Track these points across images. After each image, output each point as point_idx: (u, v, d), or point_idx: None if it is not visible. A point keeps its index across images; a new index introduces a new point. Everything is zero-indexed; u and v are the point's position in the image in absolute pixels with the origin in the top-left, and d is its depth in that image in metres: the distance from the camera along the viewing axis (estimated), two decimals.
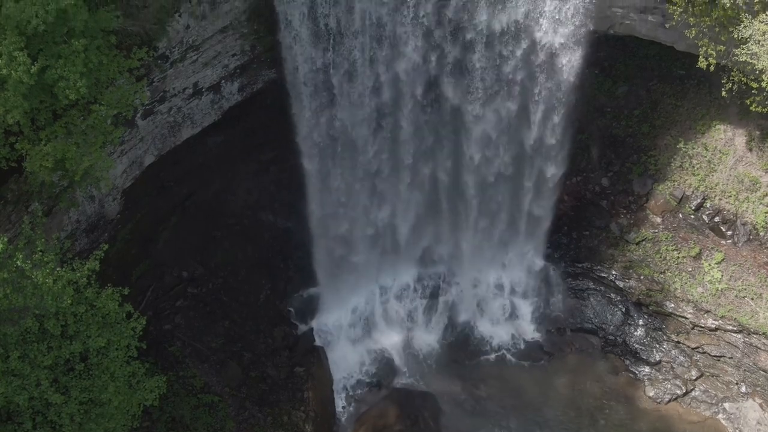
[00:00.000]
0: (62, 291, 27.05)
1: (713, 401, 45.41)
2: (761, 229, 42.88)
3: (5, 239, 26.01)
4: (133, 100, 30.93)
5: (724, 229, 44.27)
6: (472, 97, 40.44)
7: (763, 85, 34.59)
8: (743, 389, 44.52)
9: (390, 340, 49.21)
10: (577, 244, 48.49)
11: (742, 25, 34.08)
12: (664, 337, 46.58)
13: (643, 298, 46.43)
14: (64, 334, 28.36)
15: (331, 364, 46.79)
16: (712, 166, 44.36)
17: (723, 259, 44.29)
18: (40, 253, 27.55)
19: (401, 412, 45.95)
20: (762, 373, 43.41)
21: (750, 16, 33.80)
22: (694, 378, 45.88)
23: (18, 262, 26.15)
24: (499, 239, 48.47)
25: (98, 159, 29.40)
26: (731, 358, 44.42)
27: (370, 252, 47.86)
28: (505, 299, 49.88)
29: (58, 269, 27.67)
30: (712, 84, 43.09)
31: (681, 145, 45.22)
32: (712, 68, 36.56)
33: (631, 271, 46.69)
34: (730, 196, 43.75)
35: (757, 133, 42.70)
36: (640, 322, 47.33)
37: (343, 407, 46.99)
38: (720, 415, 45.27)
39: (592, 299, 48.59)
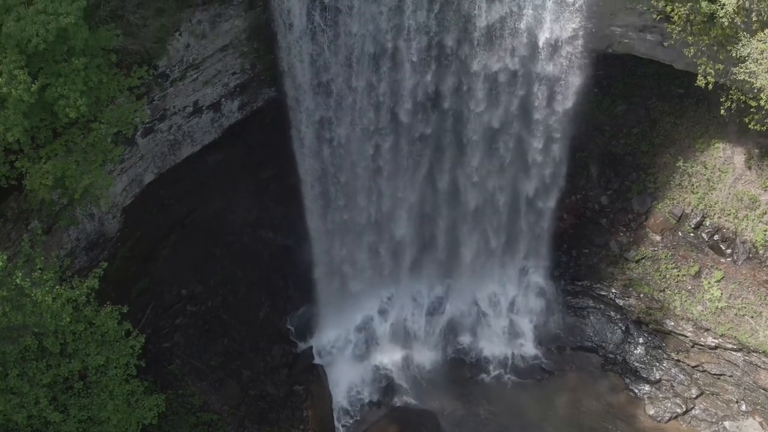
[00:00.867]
0: (61, 309, 27.08)
1: (713, 420, 45.26)
2: (761, 247, 42.87)
3: (5, 257, 26.05)
4: (133, 119, 31.06)
5: (723, 248, 44.26)
6: (472, 114, 40.63)
7: (762, 103, 34.66)
8: (743, 408, 44.40)
9: (390, 358, 49.08)
10: (576, 262, 48.46)
11: (741, 44, 34.19)
12: (664, 355, 46.48)
13: (642, 317, 46.37)
14: (63, 352, 28.36)
15: (331, 383, 46.70)
16: (711, 184, 44.38)
17: (722, 278, 44.24)
18: (40, 271, 27.59)
19: (401, 431, 45.83)
20: (762, 391, 43.30)
21: (748, 35, 33.92)
22: (694, 396, 45.75)
23: (17, 280, 26.18)
24: (498, 257, 48.42)
25: (98, 177, 29.50)
26: (731, 376, 44.31)
27: (370, 270, 47.85)
28: (504, 317, 49.78)
29: (57, 287, 27.70)
30: (710, 102, 43.14)
31: (680, 163, 45.26)
32: (710, 87, 36.64)
33: (630, 289, 46.65)
34: (730, 215, 43.75)
35: (756, 151, 42.75)
36: (640, 340, 47.24)
37: (343, 426, 46.81)
38: None
39: (591, 317, 48.51)
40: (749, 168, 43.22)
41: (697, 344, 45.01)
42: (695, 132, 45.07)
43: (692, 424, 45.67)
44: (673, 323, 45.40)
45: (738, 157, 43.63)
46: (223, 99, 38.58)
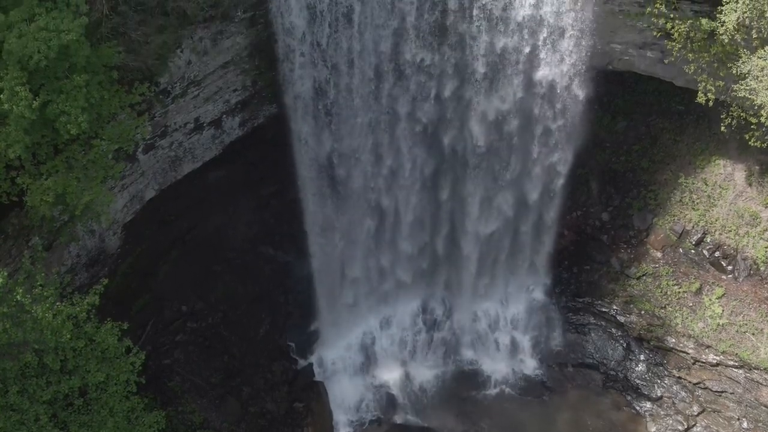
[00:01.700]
0: (62, 326, 27.03)
1: None
2: (762, 264, 42.84)
3: (5, 274, 26.00)
4: (134, 135, 31.13)
5: (724, 264, 44.23)
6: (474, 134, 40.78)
7: (762, 120, 34.68)
8: (745, 425, 44.24)
9: (390, 374, 48.98)
10: (577, 278, 48.43)
11: (741, 61, 34.27)
12: (666, 372, 46.38)
13: (644, 333, 46.30)
14: (63, 368, 28.28)
15: (331, 400, 46.60)
16: (712, 200, 44.39)
17: (724, 294, 44.19)
18: (40, 288, 27.54)
19: None
20: (764, 408, 43.16)
21: (748, 52, 34.00)
22: (695, 414, 45.62)
23: (18, 297, 26.14)
24: (499, 274, 48.40)
25: (99, 194, 29.51)
26: (733, 393, 44.19)
27: (370, 287, 47.81)
28: (505, 334, 49.71)
29: (57, 304, 27.65)
30: (711, 119, 43.21)
31: (681, 179, 45.29)
32: (711, 103, 36.69)
33: (631, 306, 46.60)
34: (731, 231, 43.75)
35: (757, 168, 42.78)
36: (642, 357, 47.14)
37: None
38: None
39: (593, 334, 48.43)
40: (750, 185, 43.24)
41: (699, 361, 44.91)
42: (696, 149, 45.11)
43: None
44: (674, 340, 45.32)
45: (739, 173, 43.65)
46: (224, 115, 38.61)
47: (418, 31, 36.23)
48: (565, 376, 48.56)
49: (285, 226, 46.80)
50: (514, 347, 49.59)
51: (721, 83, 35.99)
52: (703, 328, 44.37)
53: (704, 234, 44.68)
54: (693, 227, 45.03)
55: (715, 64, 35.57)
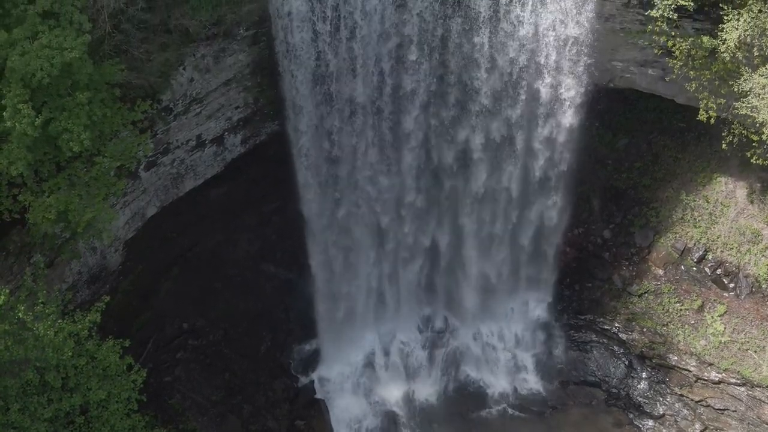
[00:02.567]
0: (63, 343, 27.02)
1: None
2: (763, 281, 42.81)
3: (7, 291, 26.01)
4: (137, 152, 31.16)
5: (726, 282, 44.20)
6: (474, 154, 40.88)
7: (764, 137, 34.74)
8: None
9: (392, 392, 48.80)
10: (579, 296, 48.38)
11: (742, 79, 34.35)
12: (668, 390, 46.26)
13: (646, 351, 46.21)
14: (64, 386, 28.25)
15: (333, 417, 46.41)
16: (713, 218, 44.40)
17: (725, 312, 44.14)
18: (42, 305, 27.55)
19: None
20: (766, 426, 43.03)
21: (750, 70, 34.07)
22: None
23: (19, 314, 26.15)
24: (501, 291, 48.37)
25: (101, 211, 29.52)
26: (735, 411, 44.07)
27: (372, 304, 47.74)
28: (507, 351, 49.62)
29: (59, 321, 27.62)
30: (712, 136, 43.21)
31: (682, 197, 45.31)
32: (712, 121, 36.73)
33: (633, 323, 46.53)
34: (732, 249, 43.74)
35: (758, 185, 42.80)
36: (644, 374, 47.03)
37: None
38: None
39: (594, 352, 48.33)
40: (751, 202, 43.26)
41: (701, 379, 44.81)
42: (697, 166, 45.15)
43: None
44: (676, 358, 45.23)
45: (740, 191, 43.67)
46: (226, 133, 38.66)
47: (420, 53, 36.47)
48: (567, 394, 48.41)
49: (286, 243, 46.79)
50: (516, 365, 49.47)
51: (723, 101, 36.04)
52: (705, 345, 44.29)
53: (706, 251, 44.67)
54: (694, 245, 45.02)
55: (717, 82, 35.64)
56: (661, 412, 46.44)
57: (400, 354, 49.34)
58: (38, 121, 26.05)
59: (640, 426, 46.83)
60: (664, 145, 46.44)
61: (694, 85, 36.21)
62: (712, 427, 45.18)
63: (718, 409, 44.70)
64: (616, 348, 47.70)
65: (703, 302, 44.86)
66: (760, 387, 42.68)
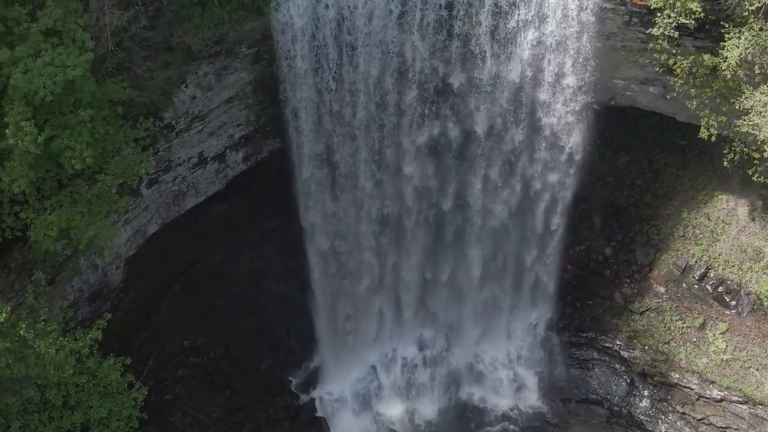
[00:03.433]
0: (64, 361, 26.98)
1: None
2: (765, 299, 42.79)
3: (8, 308, 25.97)
4: (138, 170, 31.12)
5: (727, 299, 44.17)
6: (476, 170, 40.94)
7: (765, 155, 34.82)
8: None
9: (392, 411, 48.73)
10: (580, 313, 48.33)
11: (744, 96, 34.41)
12: (670, 408, 46.16)
13: (647, 369, 46.12)
14: (65, 404, 28.18)
15: None
16: (714, 235, 44.40)
17: (727, 330, 44.11)
18: (43, 323, 27.52)
19: None
20: None
21: (751, 88, 34.15)
22: None
23: (21, 332, 26.11)
24: (502, 309, 48.30)
25: (102, 228, 29.50)
26: (737, 429, 43.96)
27: (373, 322, 47.71)
28: (508, 369, 49.55)
29: (60, 339, 27.58)
30: (713, 154, 43.25)
31: (683, 214, 45.33)
32: (713, 139, 36.79)
33: (635, 341, 46.46)
34: (734, 266, 43.72)
35: (760, 203, 42.82)
36: (645, 393, 46.94)
37: None
38: None
39: (596, 369, 48.24)
40: (753, 220, 43.27)
41: (703, 397, 44.73)
42: (698, 183, 45.19)
43: None
44: (678, 376, 45.15)
45: (741, 208, 43.70)
46: (227, 150, 38.68)
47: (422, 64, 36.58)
48: (568, 412, 48.31)
49: (287, 261, 46.74)
50: (517, 382, 49.40)
51: (724, 118, 36.09)
52: (707, 363, 44.23)
53: (707, 269, 44.65)
54: (696, 262, 45.00)
55: (718, 100, 35.70)
56: (663, 430, 46.35)
57: (401, 372, 49.28)
58: (40, 138, 26.05)
59: None
60: (665, 162, 46.49)
61: (695, 102, 36.27)
62: None
63: (720, 428, 44.61)
64: (617, 366, 47.62)
65: (704, 320, 44.81)
66: (762, 405, 42.61)
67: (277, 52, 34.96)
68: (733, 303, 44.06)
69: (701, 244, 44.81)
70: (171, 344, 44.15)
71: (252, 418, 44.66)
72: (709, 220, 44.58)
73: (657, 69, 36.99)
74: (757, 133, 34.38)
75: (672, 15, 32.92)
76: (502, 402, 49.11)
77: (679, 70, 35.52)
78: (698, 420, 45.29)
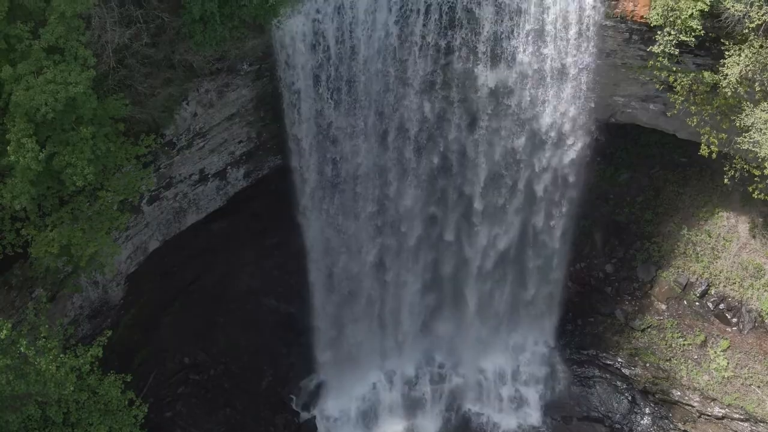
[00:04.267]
0: (65, 378, 26.88)
1: None
2: (766, 316, 42.77)
3: (9, 325, 25.88)
4: (140, 186, 31.12)
5: (729, 316, 44.12)
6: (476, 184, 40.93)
7: (766, 172, 34.84)
8: None
9: (394, 428, 48.58)
10: (582, 330, 48.26)
11: (744, 114, 34.45)
12: (671, 425, 46.06)
13: (649, 386, 46.04)
14: (65, 421, 28.16)
15: None
16: (715, 253, 44.40)
17: (729, 347, 44.05)
18: (44, 340, 27.45)
19: None
20: None
21: (752, 105, 34.20)
22: None
23: (21, 348, 26.01)
24: (503, 326, 48.24)
25: (103, 245, 29.46)
26: None
27: (374, 339, 47.58)
28: (510, 386, 49.43)
29: (61, 356, 27.51)
30: (714, 171, 43.30)
31: (684, 231, 45.35)
32: (714, 156, 36.84)
33: (636, 358, 46.38)
34: (735, 283, 43.71)
35: (760, 220, 42.85)
36: (647, 410, 46.83)
37: None
38: None
39: (598, 387, 48.14)
40: (753, 237, 43.28)
41: (704, 414, 44.63)
42: (699, 201, 45.23)
43: None
44: (679, 393, 45.06)
45: (742, 225, 43.71)
46: (229, 167, 38.70)
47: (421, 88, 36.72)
48: (570, 429, 48.18)
49: (288, 277, 46.72)
50: (518, 400, 49.27)
51: (724, 135, 36.15)
52: (709, 380, 44.14)
53: (708, 286, 44.63)
54: (697, 279, 44.97)
55: (718, 117, 35.76)
56: None
57: (402, 389, 49.15)
58: (42, 155, 26.06)
59: None
60: (666, 179, 46.55)
61: (695, 120, 36.33)
62: None
63: None
64: (619, 383, 47.53)
65: (706, 337, 44.76)
66: (764, 422, 42.51)
67: (278, 69, 35.03)
68: (735, 320, 44.02)
69: (702, 261, 44.81)
70: (171, 361, 44.11)
71: None
72: (709, 237, 44.59)
73: (657, 86, 37.09)
74: (758, 150, 34.40)
75: (672, 32, 33.01)
76: (503, 420, 48.98)
77: (679, 88, 35.61)
78: None
